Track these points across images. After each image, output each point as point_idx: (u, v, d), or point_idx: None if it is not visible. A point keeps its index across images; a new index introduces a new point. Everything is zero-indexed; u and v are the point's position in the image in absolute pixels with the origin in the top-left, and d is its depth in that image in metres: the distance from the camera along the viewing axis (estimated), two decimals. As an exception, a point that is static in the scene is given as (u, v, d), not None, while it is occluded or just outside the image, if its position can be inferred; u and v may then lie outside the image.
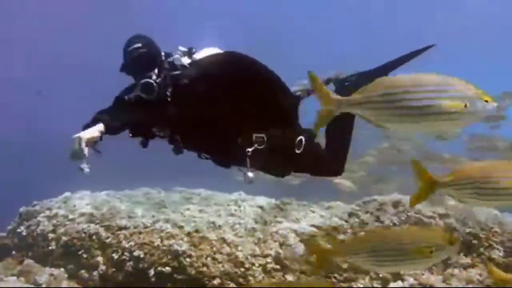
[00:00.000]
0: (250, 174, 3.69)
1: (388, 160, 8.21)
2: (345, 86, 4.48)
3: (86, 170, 3.49)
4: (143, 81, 3.39)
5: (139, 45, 3.54)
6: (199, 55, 3.68)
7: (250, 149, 3.62)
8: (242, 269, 4.87)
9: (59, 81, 21.14)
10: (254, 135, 3.63)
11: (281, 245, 5.16)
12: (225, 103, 3.50)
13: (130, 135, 3.66)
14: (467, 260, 4.90)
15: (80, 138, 2.99)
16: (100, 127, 3.19)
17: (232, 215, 6.04)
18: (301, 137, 3.85)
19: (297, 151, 3.86)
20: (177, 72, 3.49)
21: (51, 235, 5.42)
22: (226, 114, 3.51)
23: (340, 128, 4.45)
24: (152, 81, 3.39)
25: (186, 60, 3.58)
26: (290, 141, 3.82)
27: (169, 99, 3.41)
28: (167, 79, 3.47)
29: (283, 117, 3.79)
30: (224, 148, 3.70)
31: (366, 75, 4.42)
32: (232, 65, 3.64)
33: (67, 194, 6.17)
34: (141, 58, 3.48)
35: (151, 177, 8.01)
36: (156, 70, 3.47)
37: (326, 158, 4.16)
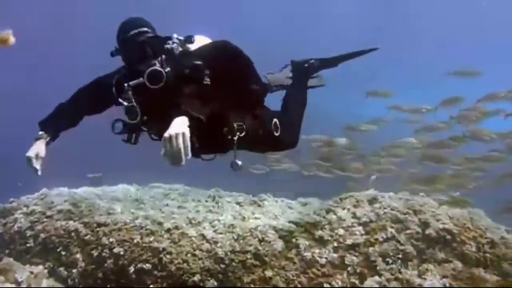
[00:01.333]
0: (239, 162, 3.77)
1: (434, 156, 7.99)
2: (304, 67, 4.81)
3: (39, 172, 3.43)
4: (151, 69, 3.28)
5: (145, 29, 3.42)
6: (193, 45, 3.66)
7: (235, 138, 3.69)
8: (222, 266, 4.93)
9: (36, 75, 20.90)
10: (235, 124, 3.70)
11: (260, 241, 5.22)
12: (228, 93, 3.47)
13: (117, 131, 3.61)
14: (441, 255, 5.05)
15: (184, 134, 2.78)
16: (185, 119, 2.97)
17: (210, 211, 6.09)
18: (275, 120, 3.98)
19: (276, 134, 3.99)
20: (199, 62, 3.43)
21: (28, 232, 5.35)
22: (227, 104, 3.51)
23: (296, 103, 4.66)
24: (161, 70, 3.29)
25: (179, 49, 3.55)
26: (268, 126, 3.94)
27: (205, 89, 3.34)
28: (190, 69, 3.38)
29: (258, 103, 3.86)
30: (213, 138, 3.73)
31: (322, 61, 4.83)
32: (237, 55, 3.67)
33: (44, 190, 6.10)
34: (148, 43, 3.36)
35: (125, 173, 8.00)
36: (159, 58, 3.37)
37: (287, 134, 4.26)
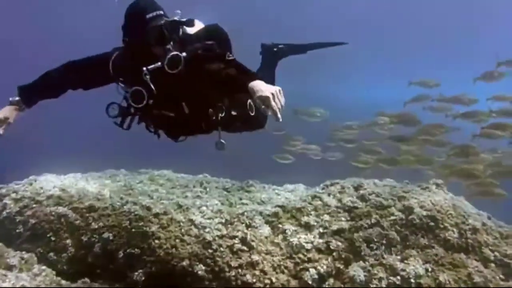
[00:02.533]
0: (223, 141, 3.87)
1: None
2: (273, 51, 4.95)
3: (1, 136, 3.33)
4: (172, 54, 3.37)
5: (161, 12, 3.45)
6: (191, 28, 3.72)
7: (219, 118, 3.77)
8: (210, 250, 4.99)
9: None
10: (218, 104, 3.79)
11: (247, 226, 5.31)
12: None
13: (113, 114, 3.65)
14: (424, 241, 5.17)
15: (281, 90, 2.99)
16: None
17: (198, 196, 6.16)
18: (249, 100, 4.08)
19: (251, 114, 4.08)
20: (210, 42, 3.50)
21: (18, 218, 5.36)
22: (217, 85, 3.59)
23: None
24: (180, 55, 3.38)
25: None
26: (243, 106, 4.03)
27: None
28: (203, 49, 3.51)
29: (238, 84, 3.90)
30: (198, 118, 3.80)
31: (292, 47, 4.98)
32: (226, 38, 3.77)
33: (32, 176, 6.11)
34: (166, 27, 3.41)
35: (114, 158, 8.01)
36: (171, 42, 3.45)
37: (260, 114, 4.36)
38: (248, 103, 4.11)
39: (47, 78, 3.75)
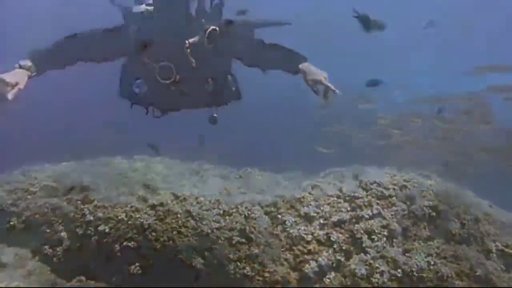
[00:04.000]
0: (215, 115, 3.89)
1: None
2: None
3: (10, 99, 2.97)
4: (212, 27, 3.39)
5: None
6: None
7: (209, 90, 3.73)
8: (208, 243, 4.90)
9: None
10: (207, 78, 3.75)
11: (246, 218, 5.21)
12: None
13: (138, 90, 3.59)
14: (426, 232, 5.09)
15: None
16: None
17: (195, 186, 6.06)
18: (229, 76, 4.05)
19: (233, 89, 4.07)
20: (232, 19, 3.55)
21: (11, 210, 5.25)
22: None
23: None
24: (217, 29, 3.42)
25: None
26: (226, 81, 4.00)
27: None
28: (225, 26, 3.50)
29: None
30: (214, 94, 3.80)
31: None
32: None
33: (25, 167, 5.98)
34: (203, 1, 3.48)
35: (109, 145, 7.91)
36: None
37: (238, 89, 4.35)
38: (229, 78, 4.09)
39: (57, 47, 3.50)
